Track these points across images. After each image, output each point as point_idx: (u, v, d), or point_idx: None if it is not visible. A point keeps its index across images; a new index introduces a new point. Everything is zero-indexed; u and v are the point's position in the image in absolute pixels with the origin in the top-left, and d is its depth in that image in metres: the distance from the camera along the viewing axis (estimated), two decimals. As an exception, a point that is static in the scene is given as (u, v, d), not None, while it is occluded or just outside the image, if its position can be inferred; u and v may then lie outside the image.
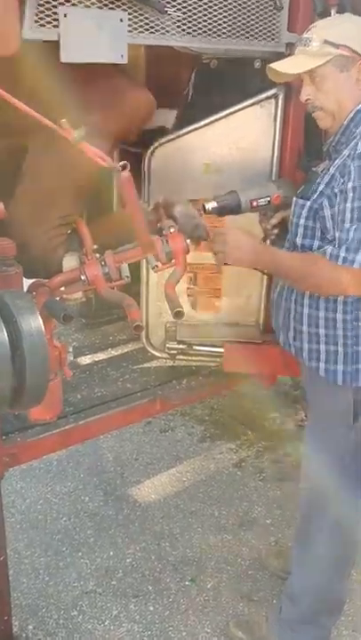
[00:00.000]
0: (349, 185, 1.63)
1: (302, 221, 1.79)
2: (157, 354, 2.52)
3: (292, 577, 2.16)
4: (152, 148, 2.24)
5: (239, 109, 2.19)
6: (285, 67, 1.79)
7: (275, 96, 2.16)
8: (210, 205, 1.94)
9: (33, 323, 1.15)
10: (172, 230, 1.75)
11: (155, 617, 2.35)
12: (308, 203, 1.77)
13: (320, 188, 1.75)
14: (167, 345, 2.45)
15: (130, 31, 1.71)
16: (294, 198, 1.84)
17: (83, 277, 1.70)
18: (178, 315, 1.57)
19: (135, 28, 1.72)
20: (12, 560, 2.55)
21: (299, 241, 1.81)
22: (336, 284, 1.69)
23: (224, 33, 1.90)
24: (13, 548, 2.63)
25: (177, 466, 3.21)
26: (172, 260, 1.73)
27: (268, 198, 1.94)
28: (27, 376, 1.14)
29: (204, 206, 1.94)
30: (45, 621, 2.31)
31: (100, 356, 2.63)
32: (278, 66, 1.79)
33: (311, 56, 1.71)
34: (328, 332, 1.84)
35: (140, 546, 2.69)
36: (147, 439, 3.42)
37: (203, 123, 2.21)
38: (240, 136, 2.24)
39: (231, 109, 2.19)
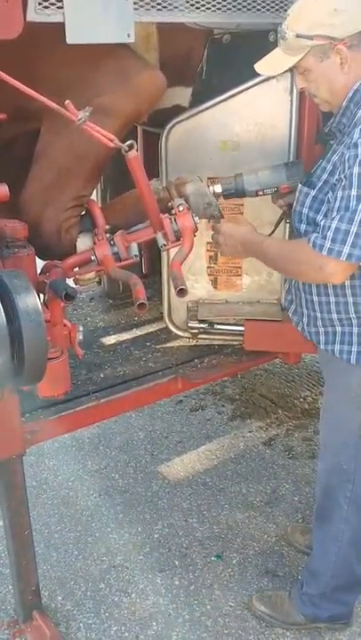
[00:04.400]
0: (345, 173, 1.58)
1: (305, 210, 1.76)
2: (180, 333, 2.54)
3: (312, 552, 2.18)
4: (168, 126, 2.24)
5: (255, 84, 2.17)
6: (265, 67, 1.76)
7: (290, 70, 2.12)
8: (214, 189, 1.90)
9: (29, 301, 1.18)
10: (180, 209, 1.75)
11: (180, 591, 2.39)
12: (313, 192, 1.74)
13: (325, 177, 1.72)
14: (189, 324, 2.47)
15: (136, 9, 1.71)
16: (299, 185, 1.81)
17: (93, 258, 1.73)
18: (181, 293, 1.58)
19: (141, 6, 1.71)
20: (43, 535, 2.64)
21: (303, 227, 1.78)
22: (320, 274, 1.64)
23: (234, 6, 1.87)
24: (44, 523, 2.71)
25: (206, 444, 3.24)
26: (181, 239, 1.74)
27: (275, 189, 1.90)
28: (25, 353, 1.17)
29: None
30: (74, 593, 2.38)
31: (125, 335, 2.66)
32: (259, 67, 1.76)
33: (289, 50, 1.65)
34: (340, 315, 1.83)
35: (167, 522, 2.73)
36: (177, 418, 3.46)
37: (218, 99, 2.20)
38: (257, 112, 2.22)
39: (246, 85, 2.17)
